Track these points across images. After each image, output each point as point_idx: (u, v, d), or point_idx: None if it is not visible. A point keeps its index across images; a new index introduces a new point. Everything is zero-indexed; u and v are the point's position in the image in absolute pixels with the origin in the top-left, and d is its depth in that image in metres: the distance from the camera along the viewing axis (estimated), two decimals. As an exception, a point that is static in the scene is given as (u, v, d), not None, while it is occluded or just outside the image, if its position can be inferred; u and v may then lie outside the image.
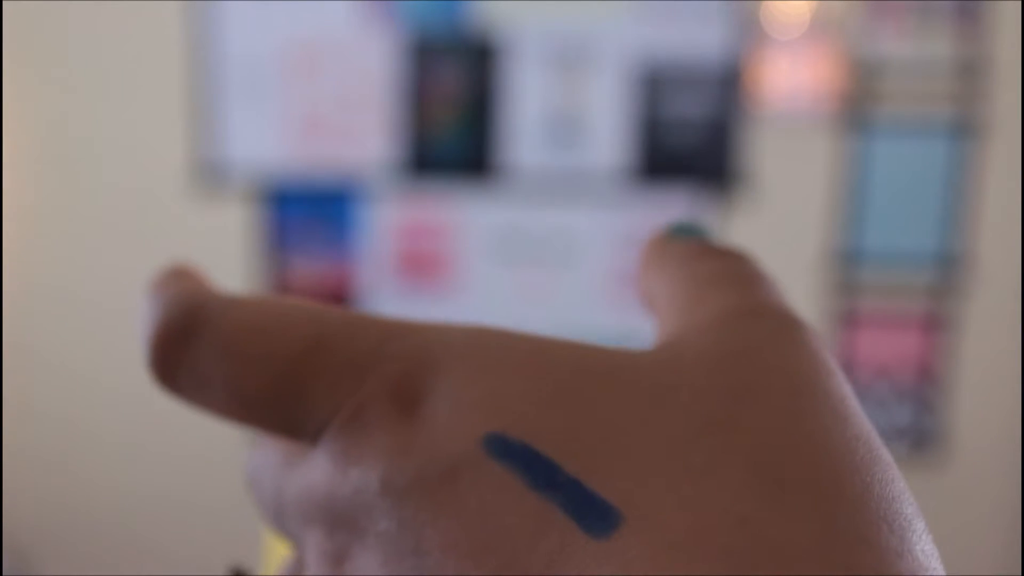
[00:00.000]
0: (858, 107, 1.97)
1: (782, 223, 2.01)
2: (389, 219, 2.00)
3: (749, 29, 1.93)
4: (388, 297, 2.02)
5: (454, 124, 1.97)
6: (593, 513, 0.14)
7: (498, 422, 0.15)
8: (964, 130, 1.98)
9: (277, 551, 1.63)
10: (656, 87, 1.95)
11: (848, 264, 2.03)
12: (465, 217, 2.00)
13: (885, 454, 0.15)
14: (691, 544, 0.13)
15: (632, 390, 0.16)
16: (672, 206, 1.99)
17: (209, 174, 1.98)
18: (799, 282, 2.03)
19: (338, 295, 2.02)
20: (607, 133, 1.96)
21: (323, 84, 1.95)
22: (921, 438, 2.07)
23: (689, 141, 1.96)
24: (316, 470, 0.17)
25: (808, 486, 0.14)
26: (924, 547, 0.14)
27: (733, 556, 0.13)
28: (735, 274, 0.19)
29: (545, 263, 2.01)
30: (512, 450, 0.15)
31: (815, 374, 0.16)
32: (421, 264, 2.01)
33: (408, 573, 0.14)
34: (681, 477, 0.14)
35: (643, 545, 0.13)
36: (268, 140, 1.97)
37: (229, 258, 2.02)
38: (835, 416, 0.15)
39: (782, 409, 0.15)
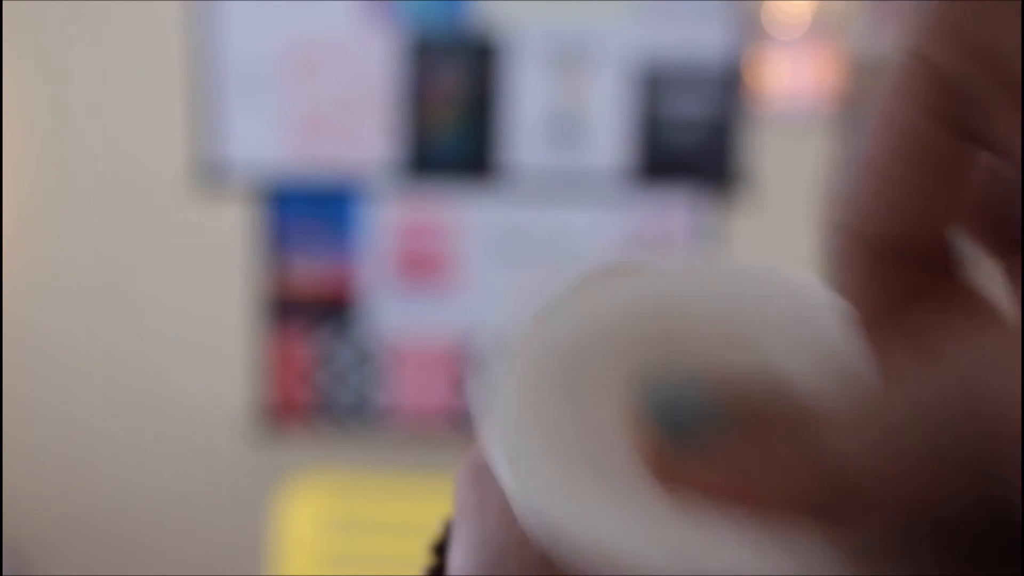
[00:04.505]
0: (859, 107, 1.97)
1: (782, 223, 2.01)
2: (389, 219, 2.00)
3: (749, 29, 1.93)
4: (388, 297, 2.02)
5: (454, 124, 1.96)
6: None
7: None
8: (964, 130, 1.98)
9: (281, 555, 1.64)
10: (656, 87, 1.95)
11: (848, 264, 2.02)
12: (465, 217, 1.99)
13: None
14: None
15: None
16: (672, 206, 1.99)
17: (209, 174, 1.98)
18: (799, 282, 2.03)
19: (338, 295, 2.02)
20: (607, 133, 1.96)
21: (323, 84, 1.95)
22: (921, 438, 2.07)
23: (689, 141, 1.96)
24: None
25: None
26: None
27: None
28: None
29: (545, 263, 2.01)
30: None
31: None
32: (421, 264, 2.01)
33: None
34: None
35: None
36: (268, 140, 1.96)
37: (229, 258, 2.02)
38: None
39: None
